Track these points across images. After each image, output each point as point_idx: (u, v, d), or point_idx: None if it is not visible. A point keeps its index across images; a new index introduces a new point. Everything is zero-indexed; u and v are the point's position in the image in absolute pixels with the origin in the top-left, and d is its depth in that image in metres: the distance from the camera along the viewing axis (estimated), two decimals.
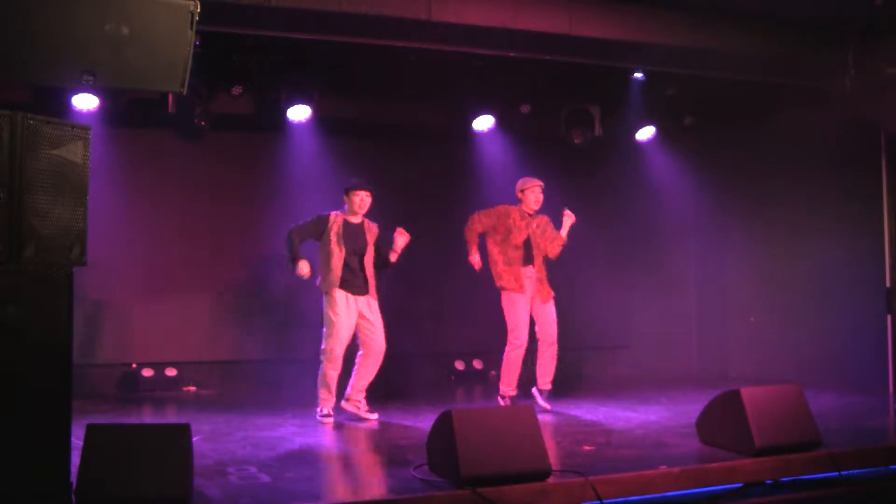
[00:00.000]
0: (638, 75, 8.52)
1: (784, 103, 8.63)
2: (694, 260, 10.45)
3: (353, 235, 6.73)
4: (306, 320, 8.52)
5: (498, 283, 7.15)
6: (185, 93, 4.56)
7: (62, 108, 7.50)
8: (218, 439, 6.01)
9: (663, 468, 4.96)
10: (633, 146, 9.57)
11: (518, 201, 7.25)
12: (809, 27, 7.50)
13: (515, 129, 9.25)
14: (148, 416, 7.42)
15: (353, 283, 6.67)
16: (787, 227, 9.04)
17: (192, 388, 8.58)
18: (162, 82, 4.54)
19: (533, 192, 7.17)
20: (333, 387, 6.64)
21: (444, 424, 4.73)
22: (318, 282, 6.75)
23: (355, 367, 6.77)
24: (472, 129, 9.14)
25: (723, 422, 5.47)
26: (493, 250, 7.21)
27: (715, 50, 7.32)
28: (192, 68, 4.48)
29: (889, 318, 8.04)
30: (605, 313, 9.75)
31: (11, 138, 3.97)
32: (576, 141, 9.21)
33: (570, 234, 7.29)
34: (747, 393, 5.36)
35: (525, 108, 9.11)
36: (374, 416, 6.78)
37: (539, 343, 7.22)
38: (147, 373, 8.42)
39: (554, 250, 7.24)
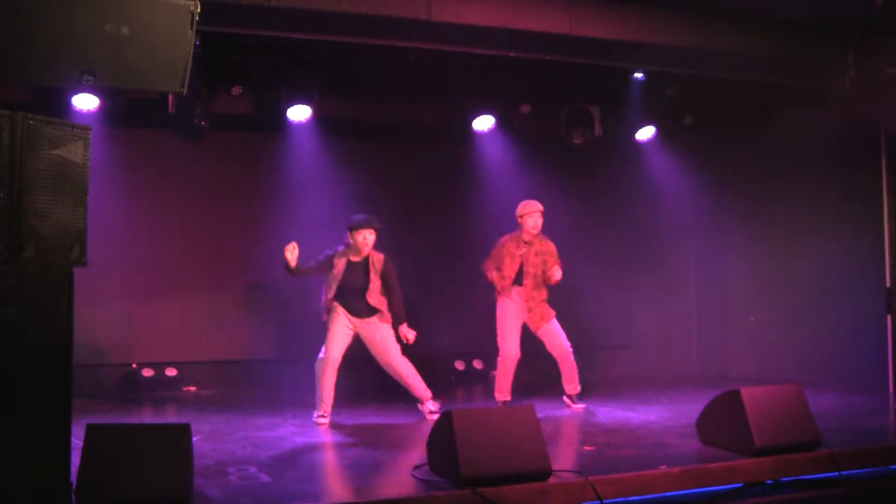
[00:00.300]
0: (638, 75, 8.52)
1: (784, 103, 8.63)
2: (694, 260, 10.45)
3: (353, 276, 6.68)
4: (306, 320, 8.52)
5: (496, 293, 7.29)
6: (185, 93, 4.56)
7: (62, 108, 7.49)
8: (218, 439, 6.01)
9: (663, 468, 4.96)
10: (633, 146, 9.57)
11: (518, 225, 7.28)
12: (809, 27, 7.50)
13: (515, 129, 9.25)
14: (148, 416, 7.42)
15: (354, 307, 6.69)
16: (787, 227, 9.03)
17: (192, 388, 8.58)
18: (162, 82, 4.54)
19: (531, 217, 7.18)
20: (325, 391, 6.64)
21: (444, 424, 4.73)
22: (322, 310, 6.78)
23: None
24: (472, 129, 9.13)
25: (723, 422, 5.47)
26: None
27: (715, 50, 7.31)
28: (192, 68, 4.48)
29: (889, 318, 8.04)
30: (605, 313, 9.75)
31: (11, 138, 3.97)
32: (576, 141, 9.20)
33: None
34: (747, 393, 5.36)
35: (525, 108, 9.10)
36: (435, 416, 6.60)
37: (556, 358, 7.29)
38: (147, 373, 8.41)
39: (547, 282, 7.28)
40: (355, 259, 6.68)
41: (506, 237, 7.30)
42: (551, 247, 7.29)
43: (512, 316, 7.22)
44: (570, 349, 7.23)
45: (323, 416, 6.64)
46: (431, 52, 7.15)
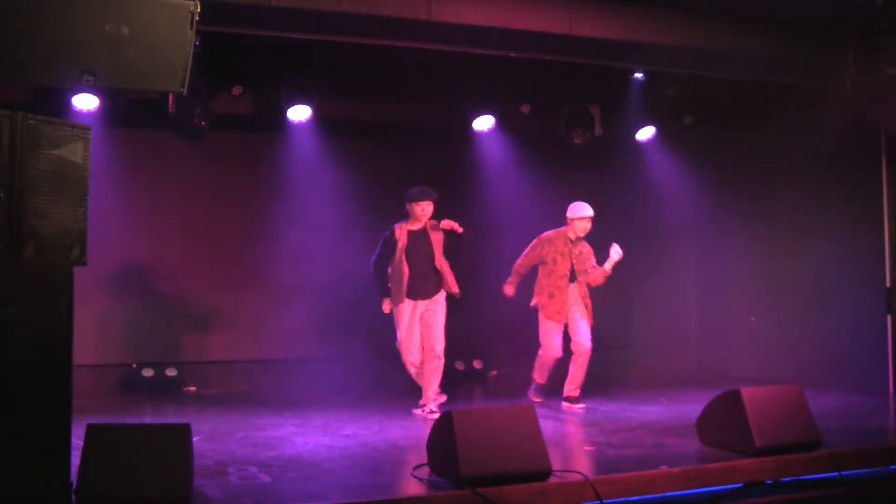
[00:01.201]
0: (638, 75, 8.53)
1: (784, 103, 8.62)
2: (694, 260, 10.45)
3: (416, 246, 6.79)
4: (307, 320, 8.53)
5: (540, 311, 7.28)
6: (185, 93, 4.56)
7: (62, 108, 7.49)
8: (218, 439, 6.01)
9: (663, 468, 4.96)
10: (633, 146, 9.57)
11: (564, 222, 7.34)
12: (809, 27, 7.50)
13: (515, 129, 9.25)
14: (148, 416, 7.42)
15: (421, 288, 6.79)
16: (787, 227, 9.04)
17: (192, 388, 8.58)
18: (162, 82, 4.54)
19: (582, 222, 7.27)
20: (421, 380, 6.76)
21: (444, 424, 4.73)
22: (384, 306, 6.84)
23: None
24: (472, 129, 9.13)
25: (723, 422, 5.47)
26: (543, 281, 7.31)
27: (715, 50, 7.32)
28: (192, 68, 4.48)
29: (889, 318, 8.04)
30: (605, 313, 9.71)
31: (11, 138, 3.97)
32: (576, 141, 9.20)
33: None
34: (747, 393, 5.36)
35: (525, 108, 9.10)
36: (435, 415, 6.72)
37: (573, 353, 7.31)
38: (147, 373, 8.41)
39: (597, 281, 7.34)
40: (415, 228, 6.80)
41: (550, 234, 7.29)
42: (587, 245, 7.39)
43: (557, 329, 7.23)
44: (590, 350, 7.25)
45: (424, 409, 6.75)
46: (431, 52, 7.14)
